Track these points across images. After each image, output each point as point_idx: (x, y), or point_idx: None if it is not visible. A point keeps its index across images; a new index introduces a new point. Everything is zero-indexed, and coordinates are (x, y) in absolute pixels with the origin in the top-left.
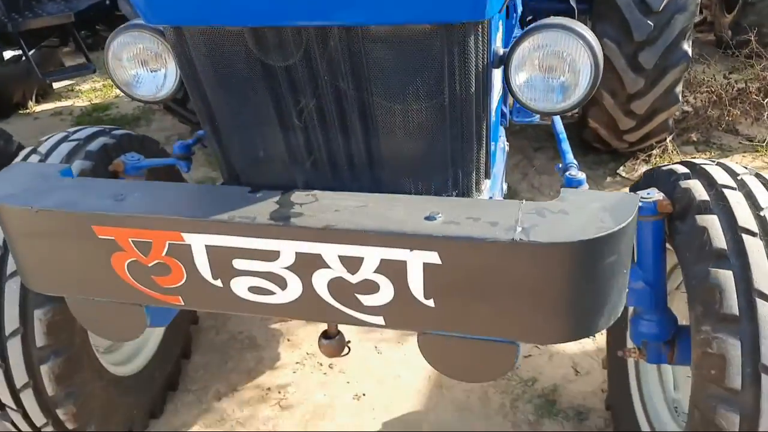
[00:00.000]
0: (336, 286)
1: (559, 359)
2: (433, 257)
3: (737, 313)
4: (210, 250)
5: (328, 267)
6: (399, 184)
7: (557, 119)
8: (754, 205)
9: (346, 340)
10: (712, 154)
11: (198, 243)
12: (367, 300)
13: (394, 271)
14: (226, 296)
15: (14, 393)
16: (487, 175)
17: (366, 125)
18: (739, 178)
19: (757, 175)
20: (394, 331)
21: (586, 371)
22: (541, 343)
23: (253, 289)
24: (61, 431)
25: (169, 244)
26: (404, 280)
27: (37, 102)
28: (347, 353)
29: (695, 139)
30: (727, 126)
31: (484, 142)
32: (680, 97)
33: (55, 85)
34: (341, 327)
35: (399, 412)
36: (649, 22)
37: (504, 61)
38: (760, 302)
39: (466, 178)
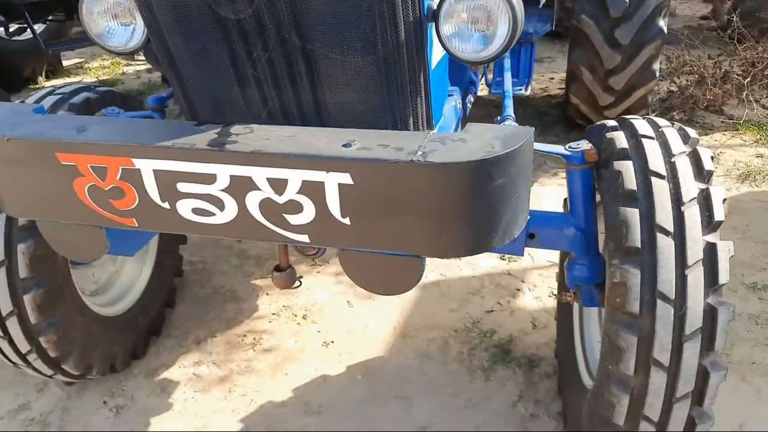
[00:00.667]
0: (266, 206)
1: (520, 314)
2: (347, 178)
3: (639, 246)
4: (157, 174)
5: (258, 189)
6: (338, 120)
7: (507, 79)
8: (668, 152)
9: (298, 275)
10: None
11: (147, 168)
12: (293, 219)
13: (314, 191)
14: (173, 217)
15: (1, 321)
16: (429, 127)
17: (311, 76)
18: (660, 129)
19: (680, 129)
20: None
21: (543, 325)
22: (441, 257)
23: (196, 211)
24: (44, 359)
25: (122, 169)
26: (323, 200)
27: (47, 78)
28: (298, 286)
29: (677, 117)
30: (712, 106)
31: (423, 95)
32: (657, 73)
33: (65, 63)
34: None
35: (363, 357)
36: None
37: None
38: (660, 236)
39: (404, 129)
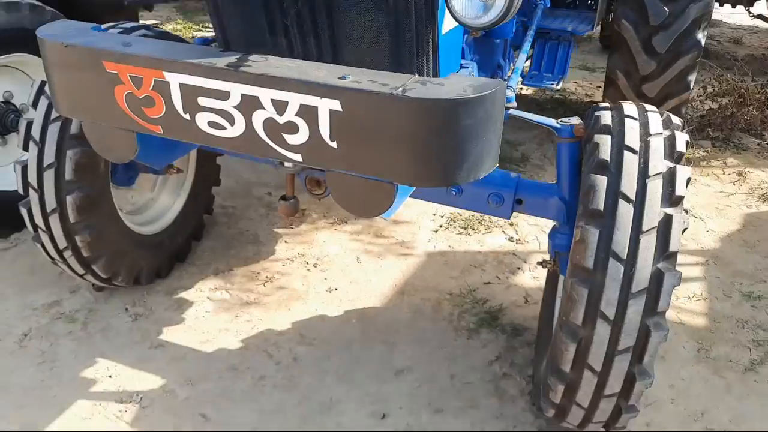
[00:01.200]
0: (269, 125)
1: (515, 289)
2: (337, 105)
3: (602, 209)
4: (182, 87)
5: (263, 108)
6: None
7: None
8: (646, 132)
9: (302, 207)
10: (726, 152)
11: (174, 81)
12: (290, 139)
13: (309, 115)
14: (192, 128)
15: (45, 217)
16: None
17: (332, 30)
18: (645, 113)
19: (666, 116)
20: (376, 246)
21: (535, 301)
22: (411, 185)
23: (211, 124)
24: (78, 257)
25: (154, 80)
26: (316, 123)
27: None
28: (301, 216)
29: (713, 135)
30: (752, 129)
31: (431, 58)
32: (691, 86)
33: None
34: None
35: (362, 305)
36: (665, 8)
37: None
38: (621, 203)
39: None
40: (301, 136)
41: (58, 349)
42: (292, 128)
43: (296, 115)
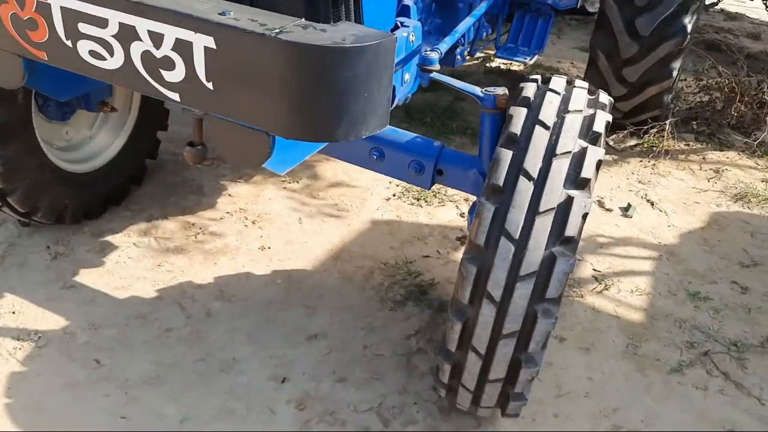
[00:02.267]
0: (146, 58)
1: (453, 266)
2: (211, 42)
3: (502, 185)
4: (63, 11)
5: (140, 40)
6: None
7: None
8: (564, 107)
9: (209, 154)
10: (708, 145)
11: (56, 3)
12: (167, 76)
13: (185, 50)
14: (75, 56)
15: None
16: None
17: None
18: (572, 89)
19: (594, 93)
20: (321, 208)
21: None
22: (284, 136)
23: (92, 53)
24: None
25: (37, 1)
26: (191, 60)
27: None
28: (209, 164)
29: (698, 128)
30: (741, 126)
31: (352, 7)
32: (674, 74)
33: None
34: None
35: (291, 267)
36: None
37: None
38: (522, 179)
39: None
40: (178, 74)
41: None
42: (169, 64)
43: (172, 49)
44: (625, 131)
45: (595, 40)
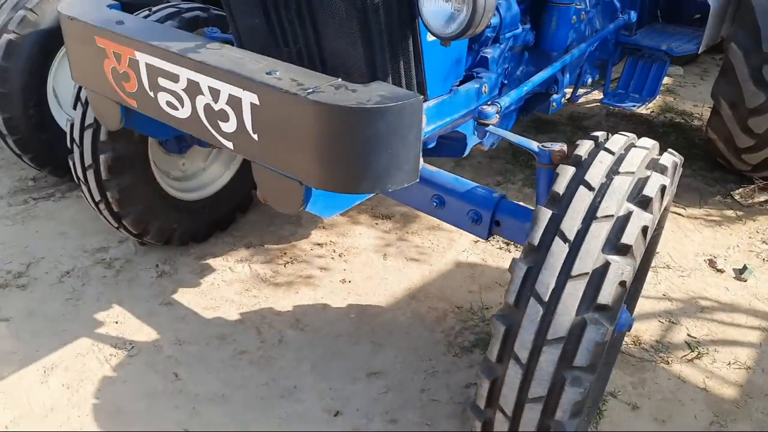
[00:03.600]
0: (207, 110)
1: None
2: (255, 99)
3: (537, 244)
4: (148, 66)
5: (203, 94)
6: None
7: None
8: (614, 169)
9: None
10: None
11: (142, 60)
12: (223, 126)
13: (236, 105)
14: (156, 106)
15: (84, 171)
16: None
17: (314, 27)
18: (630, 148)
19: (657, 154)
20: (408, 246)
21: None
22: (315, 186)
23: (168, 104)
24: (110, 211)
25: (129, 58)
26: (241, 114)
27: None
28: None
29: None
30: None
31: (410, 59)
32: None
33: None
34: None
35: (367, 302)
36: None
37: None
38: (557, 240)
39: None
40: (231, 125)
41: (87, 289)
42: (225, 116)
43: (227, 104)
44: (753, 185)
45: (718, 87)
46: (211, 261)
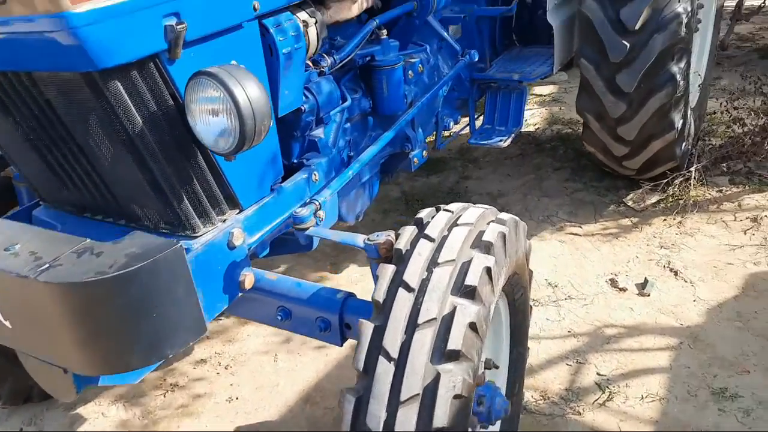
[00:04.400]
0: None
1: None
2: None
3: (361, 367)
4: None
5: None
6: (130, 210)
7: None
8: (434, 259)
9: None
10: (745, 188)
11: None
12: None
13: None
14: None
15: None
16: (233, 207)
17: (87, 157)
18: (454, 227)
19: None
20: (300, 339)
21: None
22: (81, 372)
23: None
24: None
25: None
26: None
27: None
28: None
29: (733, 168)
30: None
31: (209, 176)
32: (676, 125)
33: None
34: None
35: (256, 419)
36: (624, 42)
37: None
38: (381, 361)
39: (183, 212)
40: None
41: None
42: None
43: None
44: (641, 189)
45: (582, 103)
46: (81, 410)
